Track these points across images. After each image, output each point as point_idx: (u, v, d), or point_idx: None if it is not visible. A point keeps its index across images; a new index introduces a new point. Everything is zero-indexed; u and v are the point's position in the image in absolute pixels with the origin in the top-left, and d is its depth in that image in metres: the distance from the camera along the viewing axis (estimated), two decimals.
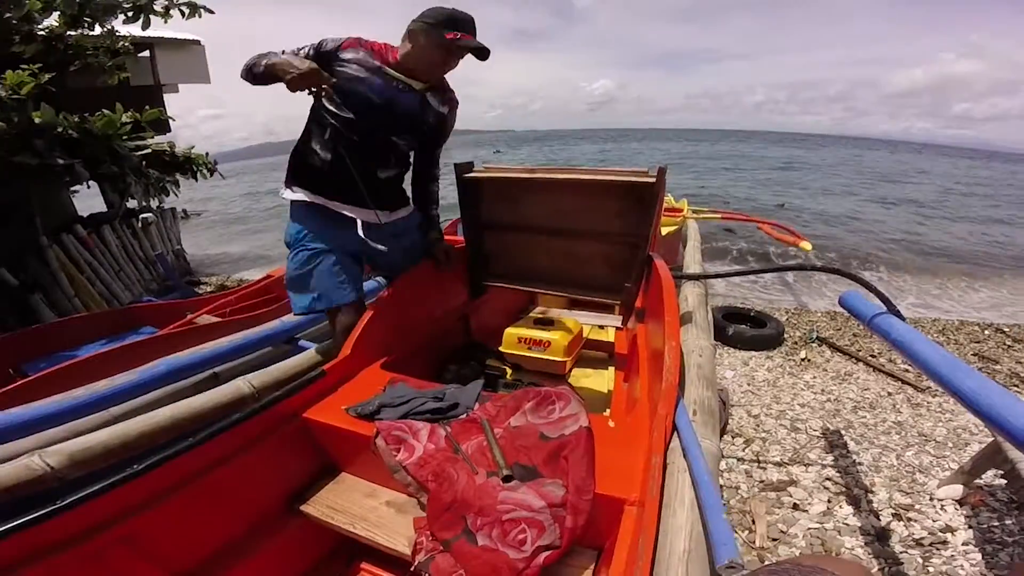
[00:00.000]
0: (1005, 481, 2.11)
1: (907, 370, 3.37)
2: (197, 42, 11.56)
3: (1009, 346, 4.15)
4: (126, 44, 5.18)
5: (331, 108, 1.61)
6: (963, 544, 1.85)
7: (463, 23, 1.59)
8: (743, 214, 7.27)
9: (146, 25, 4.69)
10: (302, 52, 1.57)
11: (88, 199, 6.42)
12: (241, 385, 1.56)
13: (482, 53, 1.62)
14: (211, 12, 4.80)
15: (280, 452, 1.27)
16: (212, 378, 2.04)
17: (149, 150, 5.47)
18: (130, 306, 3.95)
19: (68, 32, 4.61)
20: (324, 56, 1.58)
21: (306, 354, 1.92)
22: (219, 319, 3.02)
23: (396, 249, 1.84)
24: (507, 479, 1.04)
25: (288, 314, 2.60)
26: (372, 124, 1.65)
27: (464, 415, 1.28)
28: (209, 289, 6.10)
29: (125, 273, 5.56)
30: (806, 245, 5.02)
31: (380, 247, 1.75)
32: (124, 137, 4.91)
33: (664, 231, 4.09)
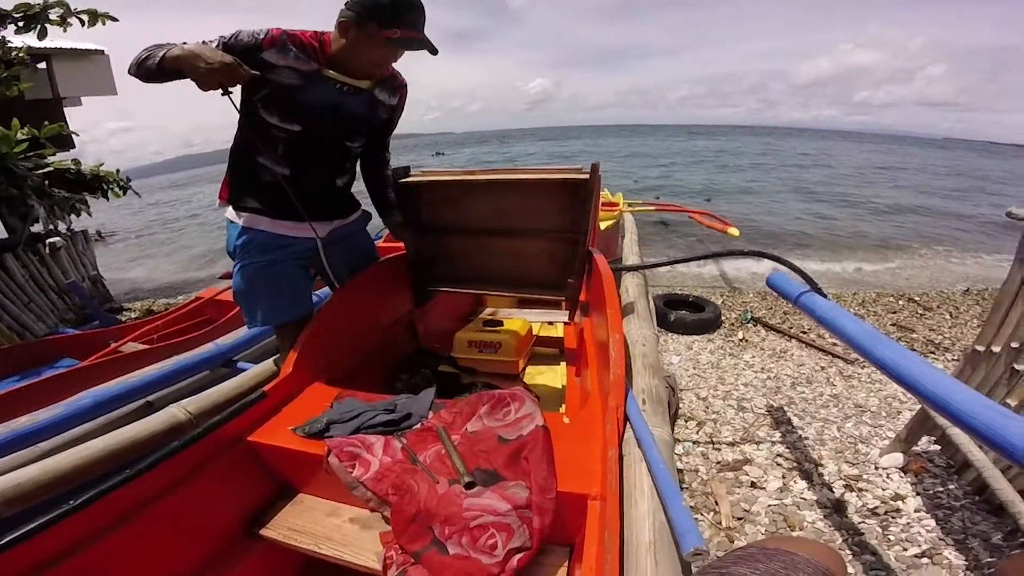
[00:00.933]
0: (939, 447, 2.27)
1: (835, 344, 3.60)
2: (100, 52, 10.78)
3: (921, 314, 4.53)
4: (20, 55, 4.72)
5: (271, 120, 1.43)
6: (915, 511, 1.95)
7: (407, 12, 1.34)
8: (675, 205, 7.61)
9: (42, 35, 4.33)
10: (211, 45, 1.31)
11: None
12: (176, 412, 1.47)
13: (431, 51, 1.40)
14: (114, 20, 4.49)
15: (229, 478, 1.21)
16: (145, 407, 1.92)
17: (51, 168, 5.05)
18: (45, 338, 3.64)
19: None
20: (241, 54, 1.30)
21: (245, 375, 1.83)
22: (147, 346, 2.84)
23: (346, 254, 1.77)
24: (469, 485, 1.03)
25: (223, 336, 2.47)
26: (322, 133, 1.51)
27: (419, 424, 1.26)
28: (134, 315, 5.69)
29: (36, 304, 5.07)
30: (734, 231, 5.30)
31: (332, 257, 1.68)
32: (20, 155, 4.52)
33: (602, 225, 4.20)
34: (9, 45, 4.58)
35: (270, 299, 1.59)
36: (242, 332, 2.50)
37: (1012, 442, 0.75)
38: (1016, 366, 1.87)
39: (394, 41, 1.35)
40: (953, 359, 3.48)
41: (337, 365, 1.61)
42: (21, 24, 4.27)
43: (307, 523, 1.21)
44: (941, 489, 2.06)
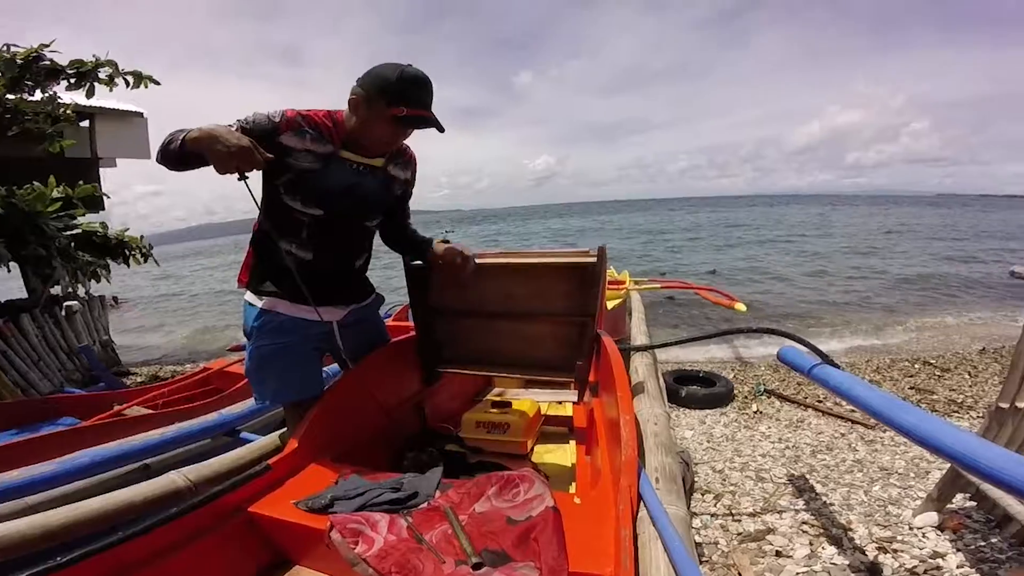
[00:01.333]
0: (975, 503, 2.19)
1: (853, 411, 3.51)
2: (140, 114, 11.09)
3: (939, 376, 4.45)
4: (68, 111, 4.85)
5: (294, 205, 1.43)
6: (958, 567, 1.87)
7: (413, 90, 1.35)
8: (681, 282, 7.66)
9: (91, 93, 4.50)
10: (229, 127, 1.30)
11: (6, 282, 5.97)
12: (175, 478, 1.44)
13: (438, 128, 1.42)
14: (157, 83, 4.67)
15: (226, 547, 1.18)
16: (142, 470, 1.89)
17: (79, 230, 5.15)
18: (48, 396, 3.63)
19: (7, 96, 4.34)
20: (259, 137, 1.30)
21: (249, 447, 1.80)
22: (151, 411, 2.82)
23: (360, 337, 1.76)
24: (477, 566, 0.99)
25: (229, 406, 2.46)
26: (343, 215, 1.51)
27: (425, 504, 1.22)
28: (140, 380, 5.69)
29: (44, 363, 5.11)
30: (740, 307, 5.31)
31: (347, 340, 1.67)
32: (52, 215, 4.62)
33: (609, 304, 4.21)
34: (59, 101, 4.74)
35: (282, 378, 1.57)
36: (248, 403, 2.49)
37: None
38: None
39: (401, 119, 1.35)
40: (978, 416, 3.41)
41: (343, 442, 1.59)
42: (72, 81, 4.45)
43: None
44: (983, 543, 1.98)
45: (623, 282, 5.47)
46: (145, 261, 5.95)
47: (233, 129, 1.28)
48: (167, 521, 1.06)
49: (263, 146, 1.28)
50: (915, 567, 1.89)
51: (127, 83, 4.56)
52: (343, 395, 1.65)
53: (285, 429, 1.76)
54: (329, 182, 1.43)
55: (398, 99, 1.33)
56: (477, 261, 1.85)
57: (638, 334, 3.18)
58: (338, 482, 1.32)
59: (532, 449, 2.03)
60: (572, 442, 2.12)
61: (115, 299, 12.64)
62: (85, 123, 9.47)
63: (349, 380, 1.69)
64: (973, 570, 1.85)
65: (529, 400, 2.13)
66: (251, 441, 1.92)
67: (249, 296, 1.55)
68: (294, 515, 1.19)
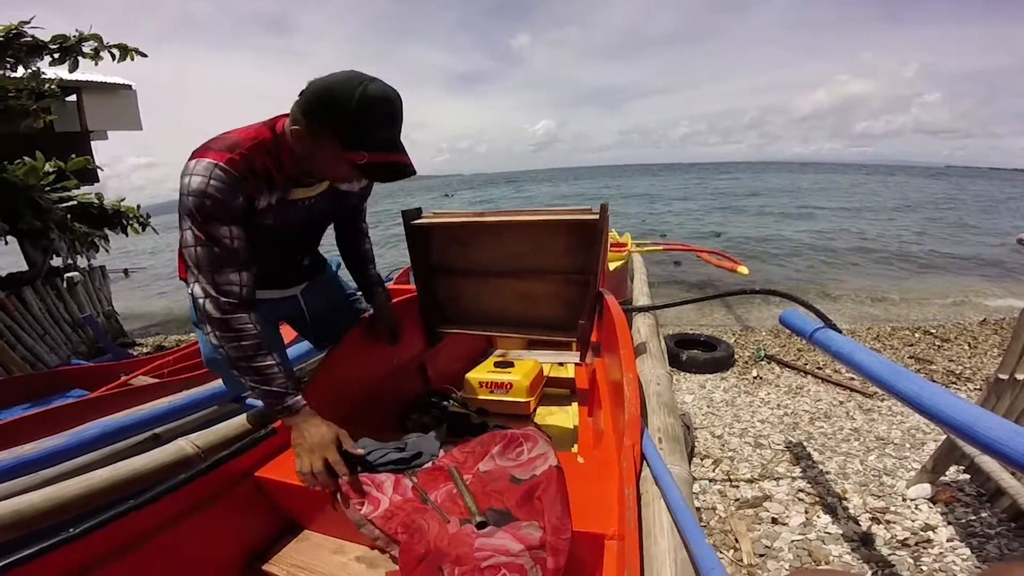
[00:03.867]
0: (968, 476, 2.23)
1: (852, 378, 3.54)
2: (128, 87, 11.08)
3: (939, 346, 4.46)
4: (52, 87, 4.85)
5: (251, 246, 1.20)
6: (948, 541, 1.90)
7: (378, 127, 1.03)
8: (683, 244, 7.60)
9: (74, 67, 4.47)
10: (224, 232, 1.06)
11: (6, 256, 5.99)
12: (184, 445, 1.46)
13: (405, 175, 1.10)
14: (144, 55, 4.63)
15: (234, 512, 1.20)
16: (152, 439, 1.91)
17: (75, 202, 5.14)
18: (57, 369, 3.66)
19: None
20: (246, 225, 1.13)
21: (254, 412, 1.82)
22: (157, 380, 2.84)
23: (324, 289, 1.73)
24: (481, 525, 1.00)
25: None
26: (296, 240, 1.44)
27: (430, 463, 1.24)
28: (146, 350, 5.73)
29: (50, 336, 5.15)
30: (743, 270, 5.28)
31: (311, 301, 1.66)
32: (47, 188, 4.61)
33: (611, 266, 4.20)
34: (43, 77, 4.71)
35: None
36: None
37: None
38: None
39: (360, 168, 1.06)
40: (976, 388, 3.43)
41: (347, 404, 1.60)
42: (56, 56, 4.41)
43: (312, 560, 1.18)
44: (974, 518, 2.01)
45: (625, 244, 5.45)
46: (144, 230, 5.94)
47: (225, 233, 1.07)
48: (176, 488, 1.07)
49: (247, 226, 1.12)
50: (906, 539, 1.93)
51: (113, 56, 4.50)
52: (346, 357, 1.65)
53: None
54: (285, 225, 1.28)
55: (357, 143, 1.02)
56: (478, 220, 1.84)
57: (640, 295, 3.18)
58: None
59: (535, 410, 2.05)
60: (574, 404, 2.14)
61: (125, 271, 12.64)
62: (72, 98, 9.40)
63: (351, 341, 1.69)
64: (962, 544, 1.88)
65: (532, 360, 2.14)
66: (257, 407, 1.94)
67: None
68: (299, 478, 1.21)
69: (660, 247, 6.66)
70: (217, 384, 2.30)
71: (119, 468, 1.32)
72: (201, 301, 1.09)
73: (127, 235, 5.84)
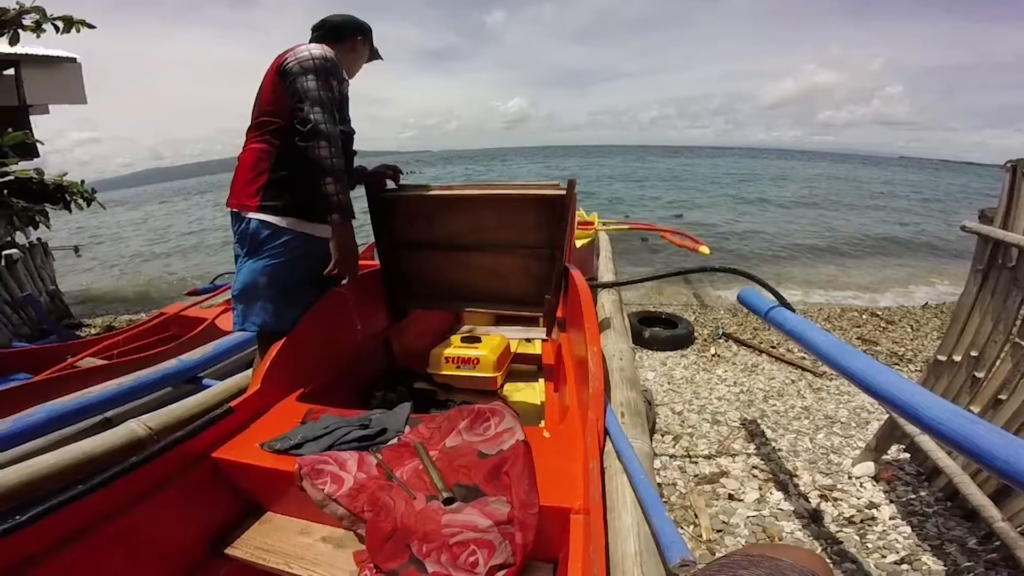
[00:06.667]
0: (908, 455, 2.32)
1: (803, 358, 3.68)
2: (72, 59, 10.45)
3: (884, 328, 4.67)
4: None
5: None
6: (890, 519, 1.98)
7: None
8: (648, 224, 7.74)
9: (14, 40, 4.17)
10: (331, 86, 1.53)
11: None
12: (135, 427, 1.41)
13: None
14: (91, 27, 4.35)
15: (193, 495, 1.16)
16: (103, 423, 1.83)
17: (12, 177, 4.83)
18: None
19: None
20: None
21: (210, 391, 1.77)
22: (106, 361, 2.72)
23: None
24: (448, 501, 1.00)
25: (188, 352, 2.38)
26: (348, 136, 1.74)
27: (395, 440, 1.22)
28: (94, 331, 5.46)
29: None
30: (704, 249, 5.41)
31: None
32: None
33: (578, 244, 4.23)
34: None
35: (285, 300, 1.62)
36: (208, 348, 2.42)
37: (980, 447, 0.76)
38: (976, 374, 1.94)
39: (374, 53, 1.85)
40: (916, 370, 3.59)
41: (309, 381, 1.57)
42: None
43: (277, 542, 1.16)
44: (913, 496, 2.10)
45: (592, 223, 5.51)
46: (89, 205, 5.61)
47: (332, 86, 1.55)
48: (128, 471, 1.03)
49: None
50: (852, 516, 2.00)
51: (56, 29, 4.20)
52: (306, 332, 1.62)
53: (250, 371, 1.74)
54: (344, 118, 1.69)
55: (372, 41, 1.83)
56: (445, 193, 1.83)
57: (605, 272, 3.23)
58: (305, 422, 1.31)
59: (502, 386, 2.06)
60: (541, 380, 2.16)
61: (76, 248, 11.97)
62: (10, 71, 8.86)
63: (311, 317, 1.66)
64: (904, 522, 1.96)
65: (499, 336, 2.14)
66: (213, 386, 1.88)
67: (263, 216, 1.59)
68: (260, 458, 1.18)
69: (626, 226, 6.75)
70: (171, 364, 2.22)
71: (66, 453, 1.27)
72: (322, 126, 1.45)
73: (70, 211, 5.51)
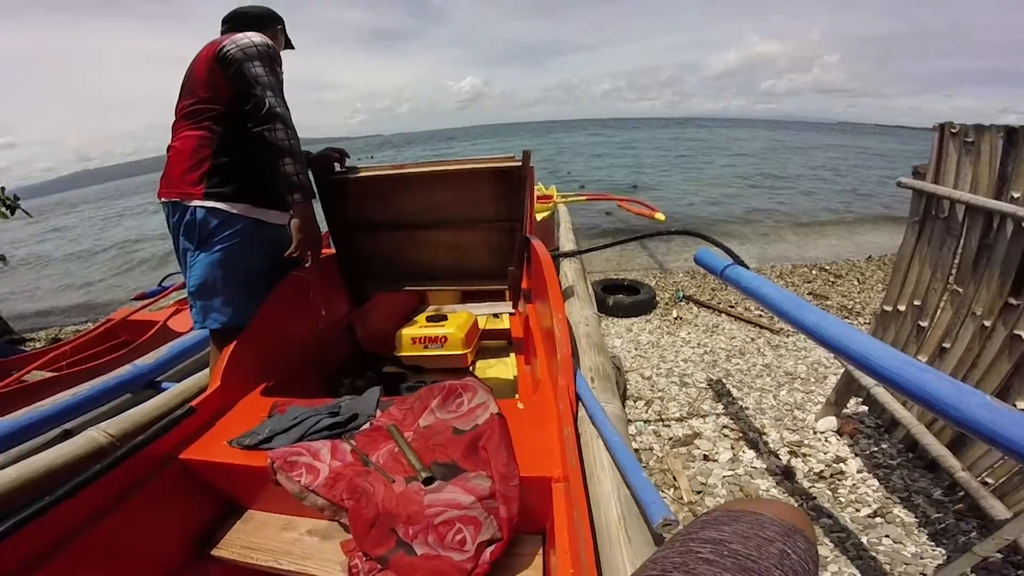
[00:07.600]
0: (866, 408, 2.41)
1: (761, 315, 3.81)
2: None
3: (833, 282, 4.87)
4: None
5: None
6: (858, 472, 2.05)
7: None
8: (605, 194, 7.85)
9: None
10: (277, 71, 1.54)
11: None
12: (95, 435, 1.35)
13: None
14: None
15: (165, 499, 1.13)
16: (63, 435, 1.75)
17: None
18: None
19: None
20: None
21: (169, 392, 1.71)
22: (55, 374, 2.58)
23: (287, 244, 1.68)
24: (428, 481, 1.00)
25: (142, 357, 2.28)
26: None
27: (367, 425, 1.21)
28: (39, 345, 5.16)
29: None
30: (660, 216, 5.52)
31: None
32: None
33: (538, 217, 4.24)
34: None
35: (245, 292, 1.58)
36: (163, 351, 2.32)
37: (932, 395, 0.77)
38: (921, 323, 2.04)
39: (288, 43, 1.83)
40: (865, 323, 3.74)
41: (272, 374, 1.54)
42: None
43: (262, 539, 1.14)
44: (876, 449, 2.17)
45: (551, 196, 5.54)
46: (12, 214, 5.24)
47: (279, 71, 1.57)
48: (94, 479, 0.99)
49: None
50: (822, 471, 2.06)
51: None
52: (265, 323, 1.58)
53: (208, 369, 1.69)
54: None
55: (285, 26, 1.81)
56: (398, 172, 1.80)
57: (566, 242, 3.27)
58: (272, 415, 1.28)
59: (473, 363, 2.06)
60: (512, 354, 2.17)
61: (2, 257, 11.20)
62: None
63: (270, 305, 1.61)
64: (871, 475, 2.03)
65: (465, 312, 2.13)
66: (172, 388, 1.81)
67: (211, 203, 1.54)
68: (230, 456, 1.15)
69: (584, 197, 6.81)
70: (125, 370, 2.13)
71: (27, 465, 1.21)
72: (277, 109, 1.46)
73: None
